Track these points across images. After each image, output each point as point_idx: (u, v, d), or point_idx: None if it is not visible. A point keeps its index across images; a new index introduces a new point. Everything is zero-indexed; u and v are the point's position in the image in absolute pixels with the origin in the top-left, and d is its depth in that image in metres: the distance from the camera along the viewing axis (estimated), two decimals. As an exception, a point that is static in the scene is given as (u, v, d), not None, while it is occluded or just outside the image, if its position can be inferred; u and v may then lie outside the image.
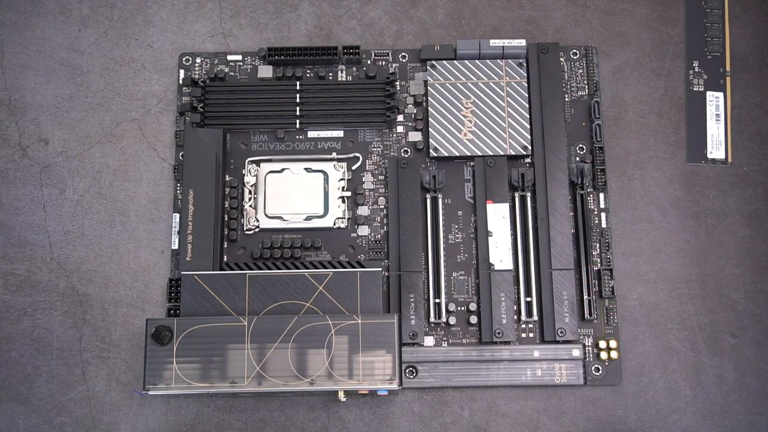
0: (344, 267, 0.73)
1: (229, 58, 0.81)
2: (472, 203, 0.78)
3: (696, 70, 0.80)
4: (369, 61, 0.80)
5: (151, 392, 0.68)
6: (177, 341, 0.68)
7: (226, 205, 0.77)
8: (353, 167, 0.78)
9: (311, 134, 0.79)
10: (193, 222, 0.75)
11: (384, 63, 0.80)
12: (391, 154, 0.79)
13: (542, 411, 0.74)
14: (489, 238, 0.75)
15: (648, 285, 0.77)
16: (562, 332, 0.73)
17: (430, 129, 0.78)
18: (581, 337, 0.75)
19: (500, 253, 0.75)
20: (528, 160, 0.78)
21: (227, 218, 0.77)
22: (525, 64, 0.79)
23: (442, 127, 0.77)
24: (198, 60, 0.81)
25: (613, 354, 0.74)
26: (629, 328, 0.76)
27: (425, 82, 0.80)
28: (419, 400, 0.74)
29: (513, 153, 0.77)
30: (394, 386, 0.67)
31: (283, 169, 0.78)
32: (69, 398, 0.74)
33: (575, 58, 0.80)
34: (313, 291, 0.71)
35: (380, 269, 0.72)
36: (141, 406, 0.74)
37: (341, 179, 0.78)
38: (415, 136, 0.79)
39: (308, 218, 0.77)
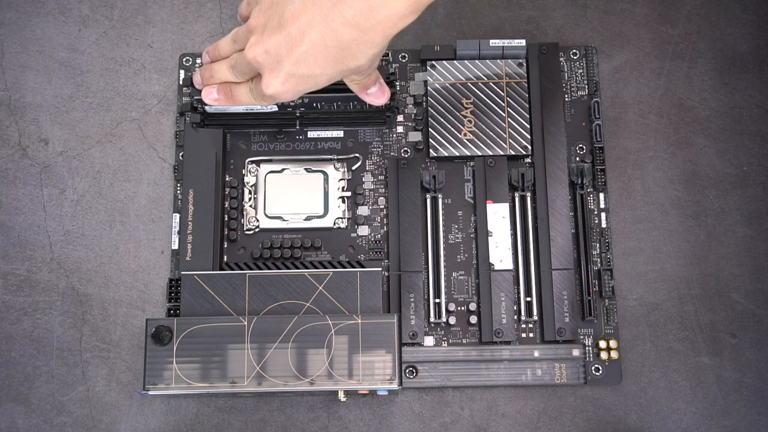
0: (344, 267, 0.73)
1: (229, 58, 0.81)
2: (472, 203, 0.78)
3: None
4: (369, 61, 0.80)
5: (151, 392, 0.68)
6: (177, 341, 0.68)
7: (226, 205, 0.77)
8: (353, 167, 0.78)
9: (311, 134, 0.79)
10: (193, 222, 0.75)
11: (384, 63, 0.80)
12: (391, 154, 0.79)
13: (542, 411, 0.74)
14: (489, 238, 0.75)
15: (648, 285, 0.77)
16: (562, 332, 0.73)
17: (429, 129, 0.78)
18: (581, 337, 0.75)
19: (500, 253, 0.75)
20: (528, 160, 0.78)
21: (227, 218, 0.77)
22: (525, 64, 0.79)
23: (442, 127, 0.77)
24: (198, 60, 0.81)
25: (613, 354, 0.74)
26: (629, 328, 0.76)
27: (425, 83, 0.80)
28: (419, 400, 0.74)
29: (513, 153, 0.77)
30: (394, 386, 0.67)
31: (283, 169, 0.78)
32: (69, 398, 0.74)
33: (575, 58, 0.80)
34: (313, 291, 0.71)
35: (380, 269, 0.72)
36: (141, 406, 0.74)
37: (341, 179, 0.78)
38: (415, 136, 0.79)
39: (308, 218, 0.77)
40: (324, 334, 0.68)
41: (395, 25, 0.57)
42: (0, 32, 0.82)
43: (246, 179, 0.78)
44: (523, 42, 0.78)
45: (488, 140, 0.77)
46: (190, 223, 0.75)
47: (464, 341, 0.75)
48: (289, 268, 0.73)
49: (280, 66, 0.60)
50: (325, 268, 0.73)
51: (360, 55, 0.59)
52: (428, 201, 0.77)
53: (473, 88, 0.78)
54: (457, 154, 0.77)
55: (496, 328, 0.73)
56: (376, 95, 0.68)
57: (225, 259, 0.76)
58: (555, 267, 0.74)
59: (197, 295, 0.71)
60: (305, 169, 0.78)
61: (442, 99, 0.78)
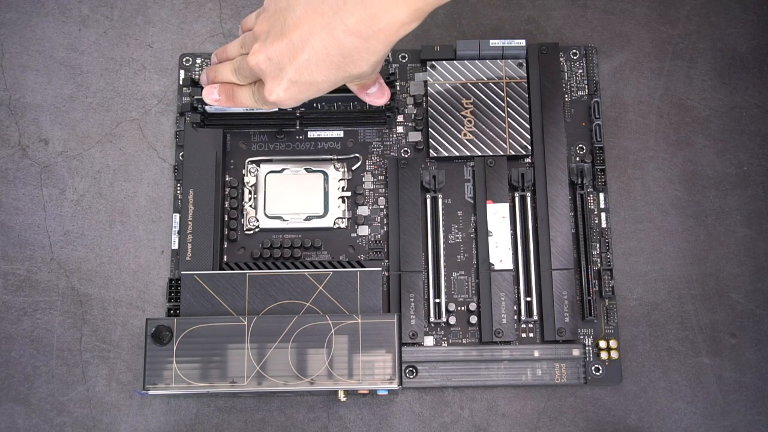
0: (344, 267, 0.73)
1: (229, 58, 0.81)
2: (472, 203, 0.78)
3: None
4: (369, 61, 0.80)
5: (151, 392, 0.68)
6: (177, 341, 0.68)
7: (226, 205, 0.77)
8: (353, 167, 0.78)
9: (311, 134, 0.79)
10: (193, 222, 0.75)
11: (384, 63, 0.80)
12: (391, 154, 0.79)
13: (542, 411, 0.74)
14: (489, 238, 0.75)
15: (648, 285, 0.77)
16: (562, 332, 0.73)
17: (429, 129, 0.78)
18: (581, 337, 0.75)
19: (500, 253, 0.75)
20: (528, 160, 0.78)
21: (227, 218, 0.77)
22: (525, 64, 0.79)
23: (442, 127, 0.77)
24: (198, 60, 0.81)
25: (613, 354, 0.74)
26: (629, 328, 0.76)
27: (425, 83, 0.80)
28: (419, 400, 0.74)
29: (513, 153, 0.77)
30: (394, 386, 0.67)
31: (283, 169, 0.78)
32: (69, 398, 0.74)
33: (575, 58, 0.80)
34: (313, 291, 0.71)
35: (380, 269, 0.72)
36: (141, 406, 0.74)
37: (341, 179, 0.78)
38: (415, 136, 0.79)
39: (308, 218, 0.77)
40: (324, 334, 0.68)
41: (396, 33, 0.58)
42: (0, 32, 0.82)
43: (246, 179, 0.78)
44: (523, 42, 0.78)
45: (488, 140, 0.77)
46: (190, 223, 0.75)
47: (464, 341, 0.75)
48: (289, 268, 0.73)
49: (282, 73, 0.61)
50: (325, 268, 0.73)
51: (362, 62, 0.59)
52: (428, 201, 0.77)
53: (473, 88, 0.78)
54: (457, 154, 0.77)
55: (496, 328, 0.73)
56: (376, 95, 0.68)
57: (225, 259, 0.76)
58: (555, 267, 0.74)
59: (197, 295, 0.71)
60: (305, 169, 0.78)
61: (442, 99, 0.78)
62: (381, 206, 0.78)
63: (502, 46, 0.78)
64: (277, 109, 0.75)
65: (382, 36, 0.57)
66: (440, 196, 0.77)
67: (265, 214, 0.77)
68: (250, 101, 0.66)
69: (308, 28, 0.58)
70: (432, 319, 0.74)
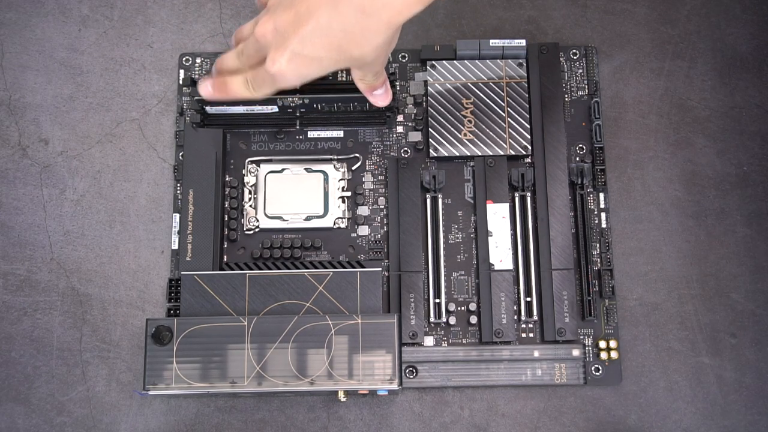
0: (344, 267, 0.73)
1: (229, 58, 0.81)
2: (472, 203, 0.78)
3: None
4: (369, 61, 0.80)
5: (151, 392, 0.68)
6: (177, 341, 0.68)
7: (226, 205, 0.77)
8: (353, 167, 0.78)
9: (311, 134, 0.79)
10: (193, 222, 0.75)
11: (384, 63, 0.80)
12: (391, 154, 0.79)
13: (542, 411, 0.74)
14: (489, 238, 0.75)
15: (648, 285, 0.77)
16: (562, 332, 0.73)
17: (429, 129, 0.78)
18: (581, 337, 0.75)
19: (500, 253, 0.75)
20: (528, 160, 0.78)
21: (227, 218, 0.77)
22: (525, 64, 0.79)
23: (442, 127, 0.77)
24: (198, 60, 0.81)
25: (613, 354, 0.74)
26: (629, 328, 0.76)
27: (425, 83, 0.80)
28: (419, 400, 0.74)
29: (513, 153, 0.77)
30: (394, 386, 0.67)
31: (283, 169, 0.78)
32: (69, 398, 0.74)
33: (575, 58, 0.80)
34: (313, 291, 0.71)
35: (380, 269, 0.72)
36: (141, 406, 0.74)
37: (341, 179, 0.78)
38: (415, 136, 0.79)
39: (308, 218, 0.77)
40: (324, 334, 0.68)
41: (401, 13, 0.57)
42: (0, 32, 0.82)
43: (246, 179, 0.78)
44: (523, 42, 0.78)
45: (488, 140, 0.77)
46: (190, 223, 0.75)
47: (464, 341, 0.75)
48: (289, 268, 0.73)
49: (287, 43, 0.60)
50: (325, 268, 0.73)
51: (363, 42, 0.59)
52: (428, 201, 0.77)
53: (473, 88, 0.78)
54: (457, 154, 0.77)
55: (496, 328, 0.73)
56: (381, 97, 0.68)
57: (225, 259, 0.76)
58: (555, 267, 0.74)
59: (197, 295, 0.71)
60: (305, 169, 0.78)
61: (442, 99, 0.78)
62: (381, 206, 0.78)
63: (502, 46, 0.78)
64: (276, 108, 0.75)
65: (385, 15, 0.57)
66: (440, 196, 0.77)
67: (265, 214, 0.77)
68: (242, 89, 0.65)
69: (315, 0, 0.58)
70: (432, 319, 0.74)
